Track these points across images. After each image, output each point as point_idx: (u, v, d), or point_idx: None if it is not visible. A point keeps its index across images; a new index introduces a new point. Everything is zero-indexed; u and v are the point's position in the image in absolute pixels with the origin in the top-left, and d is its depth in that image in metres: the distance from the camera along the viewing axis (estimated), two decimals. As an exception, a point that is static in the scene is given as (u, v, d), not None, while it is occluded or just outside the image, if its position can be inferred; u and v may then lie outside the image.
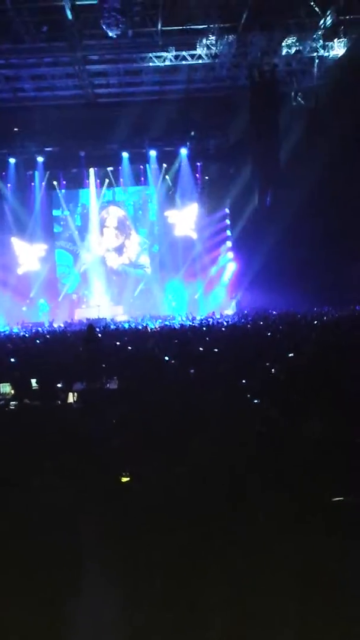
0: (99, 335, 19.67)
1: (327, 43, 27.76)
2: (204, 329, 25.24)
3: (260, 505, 5.62)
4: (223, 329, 25.16)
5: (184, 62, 28.77)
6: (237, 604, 4.62)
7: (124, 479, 6.59)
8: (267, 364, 14.13)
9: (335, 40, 27.51)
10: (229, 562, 4.95)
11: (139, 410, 9.39)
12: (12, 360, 16.99)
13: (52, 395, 11.95)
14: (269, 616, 4.52)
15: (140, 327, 27.86)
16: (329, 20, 26.42)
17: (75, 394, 12.66)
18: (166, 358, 16.39)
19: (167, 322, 30.08)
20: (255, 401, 10.15)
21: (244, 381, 11.83)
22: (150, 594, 4.75)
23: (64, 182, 38.57)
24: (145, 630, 4.51)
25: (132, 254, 39.72)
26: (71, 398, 12.42)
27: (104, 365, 15.36)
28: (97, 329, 20.13)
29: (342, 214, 30.71)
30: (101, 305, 37.21)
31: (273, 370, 13.69)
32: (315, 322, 23.38)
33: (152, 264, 39.66)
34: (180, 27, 26.62)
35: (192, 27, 26.59)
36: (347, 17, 26.33)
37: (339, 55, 28.24)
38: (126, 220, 39.68)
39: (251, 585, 4.73)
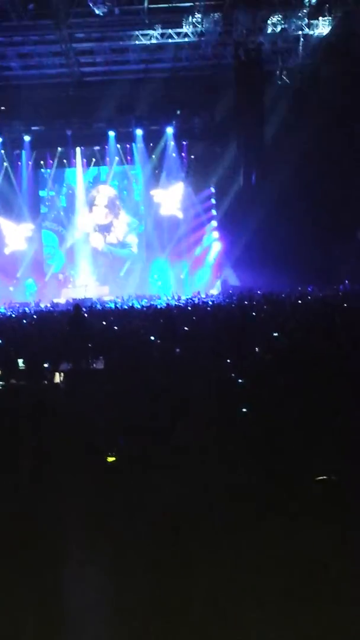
0: (85, 315, 19.71)
1: (312, 21, 27.68)
2: (189, 308, 25.31)
3: (244, 484, 5.73)
4: (208, 308, 25.22)
5: (170, 41, 28.65)
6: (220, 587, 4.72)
7: (110, 459, 6.67)
8: (252, 343, 14.23)
9: (320, 18, 27.45)
10: (214, 544, 5.04)
11: (125, 390, 9.48)
12: (-1, 340, 17.04)
13: (38, 375, 12.03)
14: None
15: (126, 307, 27.90)
16: (314, -1, 26.41)
17: (62, 374, 12.73)
18: (152, 338, 16.47)
19: (152, 302, 30.10)
20: (240, 381, 10.25)
21: (228, 360, 11.92)
22: (137, 575, 4.83)
23: (51, 162, 38.39)
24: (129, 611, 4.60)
25: (120, 234, 39.63)
26: (58, 378, 12.49)
27: (90, 345, 15.42)
28: (84, 309, 20.17)
29: (326, 193, 30.77)
30: (87, 285, 37.18)
31: (257, 349, 13.81)
32: (299, 301, 23.44)
33: (138, 243, 39.57)
34: (167, 5, 26.52)
35: (178, 5, 26.49)
36: (332, -5, 26.33)
37: (323, 34, 28.18)
38: (116, 200, 39.56)
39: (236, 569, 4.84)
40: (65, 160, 38.40)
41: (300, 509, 5.33)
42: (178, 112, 36.11)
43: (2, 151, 37.31)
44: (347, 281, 31.35)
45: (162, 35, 28.22)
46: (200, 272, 38.43)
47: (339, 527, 5.09)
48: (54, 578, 4.81)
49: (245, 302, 25.92)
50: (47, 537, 5.18)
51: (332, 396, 8.35)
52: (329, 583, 4.60)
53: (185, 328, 17.97)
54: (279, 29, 27.81)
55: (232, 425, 7.46)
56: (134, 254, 39.45)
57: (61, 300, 35.39)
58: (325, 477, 5.79)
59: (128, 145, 38.18)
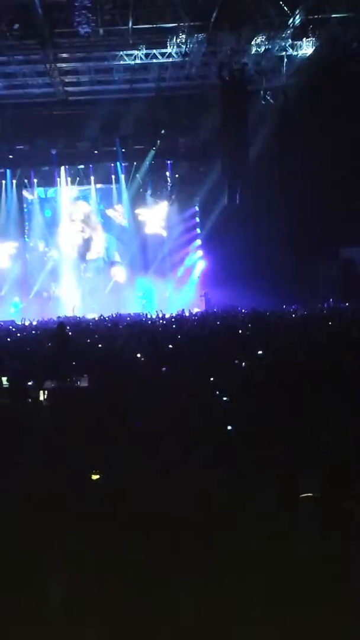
0: (69, 333, 19.69)
1: (296, 42, 27.88)
2: (174, 326, 25.31)
3: (229, 504, 5.72)
4: (193, 326, 25.24)
5: (154, 61, 28.78)
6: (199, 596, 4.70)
7: (94, 477, 6.64)
8: (237, 362, 14.26)
9: (304, 39, 27.63)
10: (197, 559, 5.02)
11: (110, 408, 9.47)
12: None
13: (22, 393, 11.99)
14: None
15: (110, 325, 27.87)
16: (297, 20, 26.55)
17: (46, 392, 12.69)
18: (137, 356, 16.47)
19: (137, 320, 30.10)
20: (225, 399, 10.27)
21: (212, 379, 11.92)
22: (119, 589, 4.81)
23: (35, 180, 38.44)
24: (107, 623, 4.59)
25: (101, 250, 39.71)
26: (42, 396, 12.45)
27: (74, 363, 15.40)
28: (68, 327, 20.15)
29: (309, 212, 30.96)
30: (72, 303, 37.20)
31: (243, 365, 13.84)
32: (283, 322, 23.47)
33: (122, 261, 39.63)
34: (151, 26, 26.64)
35: (162, 25, 26.61)
36: (316, 16, 26.49)
37: (307, 55, 28.40)
38: (92, 215, 39.62)
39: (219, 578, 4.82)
40: (49, 179, 38.45)
41: (284, 527, 5.31)
42: (162, 131, 36.25)
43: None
44: (331, 299, 31.46)
45: (146, 55, 28.34)
46: (185, 290, 38.50)
47: (322, 546, 5.08)
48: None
49: (229, 320, 25.97)
50: (27, 556, 5.14)
51: (319, 413, 8.38)
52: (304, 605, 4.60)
53: (170, 346, 17.99)
54: (263, 49, 27.99)
55: (217, 443, 7.46)
56: (119, 271, 39.51)
57: (45, 317, 35.31)
58: (311, 494, 5.79)
59: (112, 164, 38.28)
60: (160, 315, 31.69)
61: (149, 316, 32.07)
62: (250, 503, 5.70)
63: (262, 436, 7.66)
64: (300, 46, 28.03)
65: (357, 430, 7.52)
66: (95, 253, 39.76)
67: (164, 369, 13.87)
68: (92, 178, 38.48)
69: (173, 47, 27.55)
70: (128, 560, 4.98)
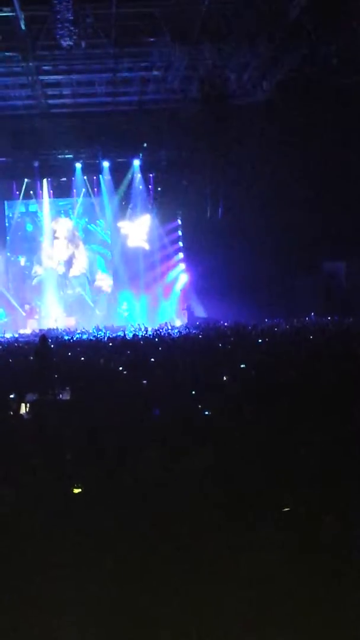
0: (51, 346, 19.66)
1: (277, 57, 27.97)
2: (156, 340, 25.33)
3: (209, 520, 5.70)
4: (174, 339, 25.27)
5: (136, 74, 28.84)
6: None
7: (76, 490, 6.62)
8: (219, 375, 14.27)
9: (286, 54, 27.75)
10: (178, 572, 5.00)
11: (91, 421, 9.44)
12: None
13: (4, 406, 11.94)
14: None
15: (92, 338, 27.86)
16: (279, 34, 26.65)
17: (28, 404, 12.66)
18: (119, 369, 16.48)
19: (119, 333, 30.09)
20: (206, 413, 10.26)
21: (193, 392, 11.92)
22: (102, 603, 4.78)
23: (17, 193, 38.39)
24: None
25: (83, 266, 39.67)
26: (23, 409, 12.41)
27: (56, 376, 15.38)
28: (50, 340, 20.11)
29: (291, 226, 31.08)
30: (54, 316, 37.17)
31: (225, 379, 13.85)
32: (266, 338, 23.47)
33: (105, 277, 39.68)
34: (133, 39, 26.68)
35: (144, 39, 26.67)
36: (297, 31, 26.60)
37: (288, 70, 28.49)
38: (75, 232, 39.63)
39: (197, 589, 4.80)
40: (32, 192, 38.40)
41: (264, 542, 5.29)
42: (145, 144, 36.32)
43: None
44: (312, 313, 31.57)
45: (128, 68, 28.40)
46: (167, 304, 38.53)
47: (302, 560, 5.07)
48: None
49: (212, 333, 26.01)
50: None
51: (300, 425, 8.39)
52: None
53: (152, 359, 18.00)
54: (244, 63, 28.11)
55: (198, 456, 7.44)
56: (104, 287, 39.55)
57: (27, 331, 35.25)
58: (290, 509, 5.79)
59: (95, 177, 38.34)
60: (143, 329, 31.72)
61: (131, 329, 32.06)
62: (230, 517, 5.69)
63: (243, 450, 7.66)
64: (282, 61, 28.12)
65: (337, 444, 7.53)
66: (78, 270, 39.72)
67: (144, 382, 13.87)
68: (74, 191, 38.45)
69: (155, 61, 27.61)
70: (111, 573, 4.96)
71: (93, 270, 39.89)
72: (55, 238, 39.38)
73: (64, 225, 39.53)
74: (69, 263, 39.63)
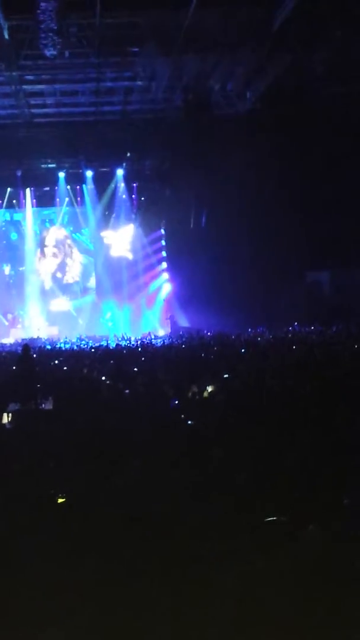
0: (34, 355, 19.60)
1: (261, 67, 28.09)
2: (140, 349, 25.32)
3: (191, 526, 5.68)
4: (157, 348, 25.28)
5: (120, 84, 28.90)
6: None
7: (60, 500, 6.59)
8: (203, 384, 14.27)
9: (269, 64, 27.85)
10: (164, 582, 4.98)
11: (74, 430, 9.41)
12: None
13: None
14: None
15: (75, 348, 27.82)
16: (263, 44, 26.76)
17: (10, 414, 12.61)
18: (102, 378, 16.45)
19: (102, 343, 30.05)
20: (189, 422, 10.25)
21: (176, 402, 11.91)
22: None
23: (0, 202, 38.33)
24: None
25: (75, 275, 39.62)
26: (5, 418, 12.36)
27: (38, 386, 15.33)
28: (32, 349, 20.05)
29: (274, 235, 31.19)
30: (37, 326, 37.12)
31: (209, 389, 13.85)
32: (250, 348, 23.48)
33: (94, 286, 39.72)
34: (117, 49, 26.72)
35: (128, 49, 26.73)
36: (281, 41, 26.71)
37: (272, 80, 28.62)
38: (67, 240, 39.58)
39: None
40: (15, 201, 38.35)
41: (248, 552, 5.27)
42: (128, 154, 36.39)
43: None
44: (296, 323, 31.64)
45: (112, 78, 28.46)
46: (151, 313, 38.55)
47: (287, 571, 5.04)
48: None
49: (195, 343, 26.02)
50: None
51: (283, 436, 8.39)
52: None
53: (135, 369, 17.98)
54: (227, 74, 28.22)
55: (181, 466, 7.43)
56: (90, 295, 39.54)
57: (10, 340, 35.14)
58: (275, 518, 5.77)
59: (78, 187, 38.34)
60: (126, 338, 31.71)
61: (114, 339, 32.03)
62: (214, 527, 5.67)
63: (226, 459, 7.66)
64: (265, 71, 28.24)
65: (321, 453, 7.54)
66: (71, 277, 39.66)
67: (127, 391, 13.86)
68: (57, 200, 38.45)
69: (139, 71, 27.68)
70: (97, 584, 4.92)
71: (85, 281, 39.79)
72: (45, 246, 39.31)
73: (53, 234, 39.48)
74: (60, 272, 39.55)
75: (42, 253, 39.28)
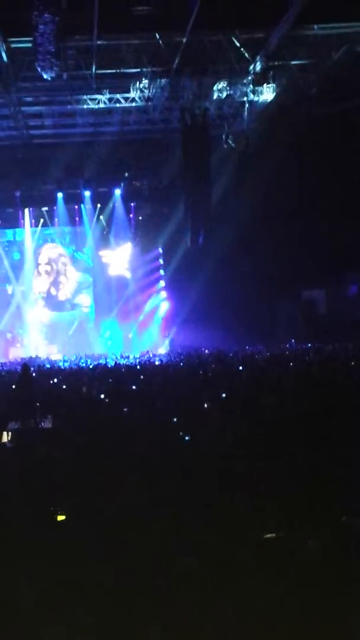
0: (33, 374, 19.66)
1: (257, 88, 28.19)
2: (138, 367, 25.37)
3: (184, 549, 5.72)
4: (156, 366, 25.32)
5: (117, 105, 29.06)
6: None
7: (60, 517, 6.63)
8: (200, 402, 14.32)
9: (265, 85, 28.00)
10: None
11: (73, 448, 9.47)
12: None
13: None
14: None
15: (74, 366, 27.85)
16: (258, 66, 26.98)
17: (9, 432, 12.65)
18: (101, 396, 16.49)
19: (101, 361, 30.09)
20: (187, 438, 10.31)
21: (175, 420, 11.96)
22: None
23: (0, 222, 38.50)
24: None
25: (68, 292, 39.69)
26: (5, 437, 12.41)
27: (38, 404, 15.38)
28: (32, 368, 20.11)
29: (271, 253, 31.33)
30: (36, 344, 37.14)
31: (205, 406, 13.89)
32: (247, 365, 23.52)
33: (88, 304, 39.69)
34: (114, 71, 26.92)
35: (125, 70, 26.93)
36: (276, 63, 26.91)
37: (268, 100, 28.85)
38: (61, 258, 39.65)
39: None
40: (13, 221, 38.46)
41: (246, 569, 5.31)
42: (126, 174, 36.59)
43: None
44: (293, 340, 31.72)
45: (110, 99, 28.63)
46: (149, 332, 38.59)
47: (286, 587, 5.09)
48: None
49: (193, 361, 26.06)
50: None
51: (281, 452, 8.45)
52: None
53: (134, 387, 18.04)
54: (224, 95, 28.39)
55: (180, 483, 7.49)
56: (84, 313, 39.52)
57: (9, 359, 35.16)
58: (274, 534, 5.83)
59: (76, 207, 38.45)
60: (125, 357, 31.75)
61: (113, 357, 32.06)
62: (212, 543, 5.72)
63: (223, 475, 7.72)
64: (261, 92, 28.39)
65: (318, 469, 7.60)
66: (64, 295, 39.73)
67: (125, 409, 13.90)
68: (55, 220, 38.57)
69: (136, 92, 27.85)
70: (96, 602, 4.97)
71: (76, 298, 39.84)
72: (39, 264, 39.41)
73: (47, 252, 39.54)
74: (54, 289, 39.63)
75: (37, 271, 39.35)
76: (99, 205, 38.08)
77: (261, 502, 6.66)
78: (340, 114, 28.39)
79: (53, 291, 39.59)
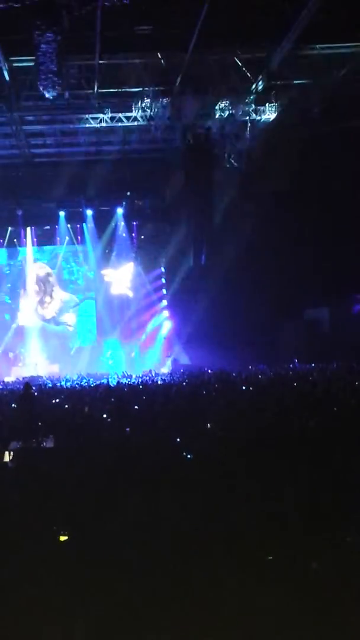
0: (35, 393, 19.57)
1: (258, 107, 28.31)
2: (141, 387, 25.26)
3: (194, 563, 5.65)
4: (159, 386, 25.21)
5: (119, 124, 29.12)
6: None
7: (62, 538, 6.57)
8: (203, 422, 14.25)
9: (267, 104, 28.09)
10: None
11: (75, 468, 9.39)
12: None
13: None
14: None
15: (76, 386, 27.75)
16: (260, 85, 27.12)
17: (11, 452, 12.58)
18: (104, 416, 16.41)
19: (103, 381, 29.98)
20: (189, 456, 10.24)
21: (178, 440, 11.89)
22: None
23: (1, 241, 38.50)
24: None
25: (53, 311, 39.64)
26: (7, 457, 12.33)
27: (40, 424, 15.30)
28: (33, 388, 20.03)
29: (273, 273, 31.28)
30: (37, 364, 37.08)
31: (209, 426, 13.82)
32: (250, 386, 23.39)
33: (87, 322, 39.60)
34: (116, 90, 27.04)
35: (127, 89, 27.03)
36: (278, 82, 27.05)
37: (270, 119, 28.89)
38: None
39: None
40: (15, 240, 38.51)
41: (249, 588, 5.24)
42: (128, 193, 36.66)
43: None
44: (296, 360, 31.61)
45: (111, 118, 28.70)
46: (151, 351, 38.52)
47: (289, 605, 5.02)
48: None
49: (196, 381, 25.96)
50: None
51: (284, 472, 8.37)
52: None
53: (136, 407, 17.94)
54: (226, 114, 28.46)
55: (182, 502, 7.41)
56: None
57: (11, 378, 35.06)
58: (277, 554, 5.76)
59: (78, 225, 38.51)
60: (127, 376, 31.64)
61: (115, 376, 31.95)
62: (214, 563, 5.65)
63: (226, 494, 7.64)
64: (263, 111, 28.48)
65: (321, 488, 7.52)
66: (49, 314, 39.72)
67: (127, 429, 13.83)
68: (57, 239, 38.61)
69: (138, 111, 27.94)
70: (99, 621, 4.91)
71: (62, 316, 39.80)
72: (27, 283, 39.47)
73: (36, 270, 39.53)
74: (40, 307, 39.64)
75: (25, 288, 39.39)
76: (101, 224, 38.08)
77: (264, 521, 6.59)
78: (342, 134, 28.38)
79: (40, 310, 39.57)
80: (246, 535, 6.18)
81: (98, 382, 28.48)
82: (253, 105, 28.33)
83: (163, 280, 38.85)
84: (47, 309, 39.67)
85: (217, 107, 28.18)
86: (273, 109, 28.32)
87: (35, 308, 39.54)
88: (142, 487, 8.01)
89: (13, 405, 18.97)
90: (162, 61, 25.44)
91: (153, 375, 32.65)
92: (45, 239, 38.99)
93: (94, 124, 29.12)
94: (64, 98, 26.62)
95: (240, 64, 26.16)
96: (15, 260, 39.45)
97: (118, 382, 27.83)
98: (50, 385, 28.52)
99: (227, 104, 28.02)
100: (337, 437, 10.85)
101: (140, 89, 26.93)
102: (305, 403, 16.35)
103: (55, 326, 39.60)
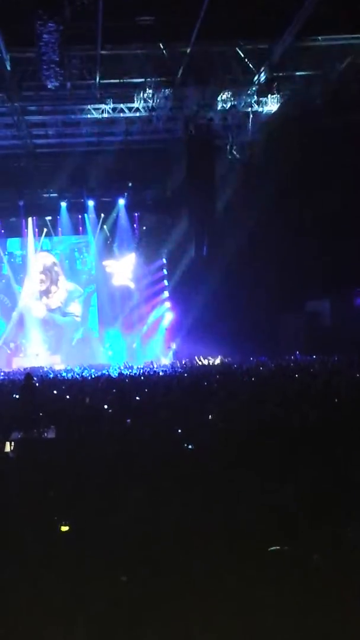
0: (36, 384, 19.58)
1: (261, 99, 28.27)
2: (142, 378, 25.28)
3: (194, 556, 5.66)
4: (160, 377, 25.23)
5: (121, 115, 29.04)
6: None
7: (64, 528, 6.57)
8: (204, 413, 14.26)
9: (269, 96, 28.02)
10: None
11: (77, 459, 9.40)
12: None
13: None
14: None
15: (77, 377, 27.76)
16: (262, 77, 27.07)
17: (13, 443, 12.58)
18: (105, 407, 16.42)
19: (104, 372, 29.99)
20: (190, 447, 10.25)
21: (179, 430, 11.90)
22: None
23: (2, 231, 38.48)
24: None
25: (58, 300, 39.59)
26: (8, 447, 12.34)
27: (41, 414, 15.31)
28: (35, 378, 20.04)
29: (276, 264, 31.24)
30: (39, 354, 37.09)
31: (210, 417, 13.82)
32: (252, 377, 23.39)
33: (89, 313, 39.59)
34: (118, 80, 26.98)
35: (129, 80, 26.98)
36: (280, 74, 27.00)
37: (272, 111, 28.83)
38: (54, 267, 39.56)
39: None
40: (17, 230, 38.48)
41: (249, 582, 5.23)
42: (130, 184, 36.60)
43: None
44: (297, 352, 31.60)
45: (113, 109, 28.63)
46: (152, 342, 38.52)
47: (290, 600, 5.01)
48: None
49: (197, 372, 25.98)
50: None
51: (286, 465, 8.38)
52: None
53: (137, 398, 17.95)
54: (228, 105, 28.40)
55: (183, 494, 7.42)
56: (76, 322, 39.44)
57: (12, 369, 35.08)
58: (278, 547, 5.74)
59: (80, 216, 38.47)
60: (128, 367, 31.64)
61: (116, 367, 31.95)
62: (217, 556, 5.65)
63: (227, 486, 7.65)
64: (266, 102, 28.44)
65: (323, 481, 7.53)
66: (55, 303, 39.67)
67: (128, 420, 13.84)
68: (59, 230, 38.58)
69: (140, 102, 27.88)
70: (98, 615, 4.90)
71: (67, 306, 39.75)
72: (33, 272, 39.40)
73: (41, 259, 39.46)
74: (44, 297, 39.58)
75: (29, 278, 39.32)
76: (102, 215, 38.06)
77: (265, 513, 6.59)
78: (344, 125, 28.31)
79: (45, 299, 39.51)
80: (246, 528, 6.18)
81: (99, 374, 28.49)
82: (255, 97, 28.29)
83: (165, 272, 38.83)
84: (52, 298, 39.62)
85: (219, 99, 28.13)
86: (275, 101, 28.27)
87: (39, 298, 39.51)
88: (142, 478, 8.03)
89: (15, 395, 18.98)
90: (164, 52, 25.37)
91: (154, 366, 32.68)
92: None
93: (95, 115, 29.06)
94: (66, 88, 26.56)
95: (242, 55, 26.10)
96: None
97: (119, 373, 27.85)
98: (51, 375, 28.56)
99: (229, 95, 27.97)
100: (338, 429, 10.86)
101: (142, 79, 26.86)
102: (306, 395, 16.37)
103: (62, 317, 39.58)
